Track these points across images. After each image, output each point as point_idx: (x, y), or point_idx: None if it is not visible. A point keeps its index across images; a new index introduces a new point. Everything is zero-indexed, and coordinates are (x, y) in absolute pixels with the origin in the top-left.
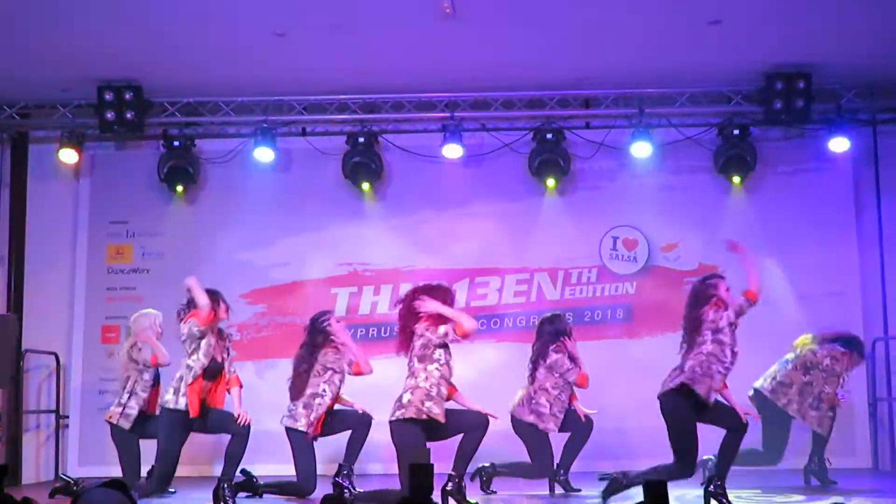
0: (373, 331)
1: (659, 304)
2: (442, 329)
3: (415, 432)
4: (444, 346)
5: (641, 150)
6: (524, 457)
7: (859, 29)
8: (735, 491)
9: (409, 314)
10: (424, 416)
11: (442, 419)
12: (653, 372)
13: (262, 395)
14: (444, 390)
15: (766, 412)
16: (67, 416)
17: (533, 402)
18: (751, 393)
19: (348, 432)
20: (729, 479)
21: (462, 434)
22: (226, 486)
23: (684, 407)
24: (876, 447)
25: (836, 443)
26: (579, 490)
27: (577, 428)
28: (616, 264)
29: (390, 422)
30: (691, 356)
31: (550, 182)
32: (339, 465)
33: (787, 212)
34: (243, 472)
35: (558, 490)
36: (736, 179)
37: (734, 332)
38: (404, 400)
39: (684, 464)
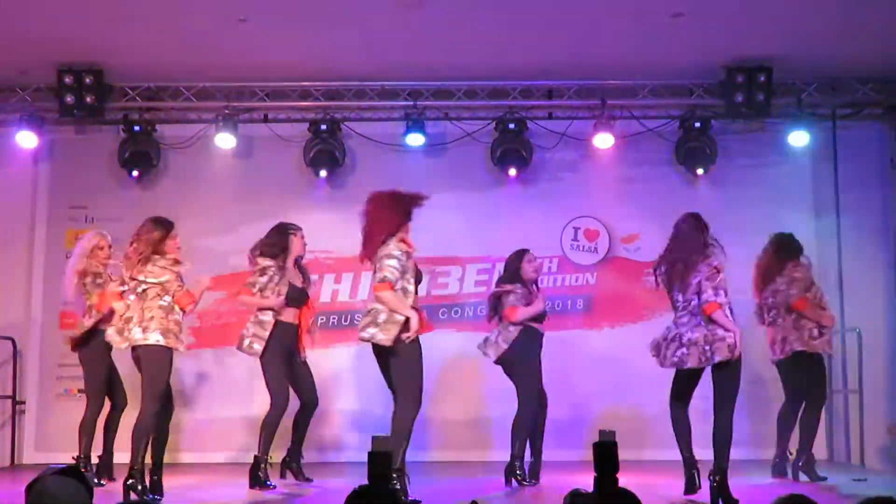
0: (333, 319)
1: (619, 294)
2: None
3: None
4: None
5: (603, 141)
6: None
7: (820, 24)
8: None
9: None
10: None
11: (388, 343)
12: (612, 362)
13: (221, 382)
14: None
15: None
16: (24, 402)
17: None
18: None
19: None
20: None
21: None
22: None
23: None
24: (832, 439)
25: (793, 435)
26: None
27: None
28: (577, 255)
29: None
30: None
31: (512, 172)
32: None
33: (746, 205)
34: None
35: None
36: (697, 172)
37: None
38: None
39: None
